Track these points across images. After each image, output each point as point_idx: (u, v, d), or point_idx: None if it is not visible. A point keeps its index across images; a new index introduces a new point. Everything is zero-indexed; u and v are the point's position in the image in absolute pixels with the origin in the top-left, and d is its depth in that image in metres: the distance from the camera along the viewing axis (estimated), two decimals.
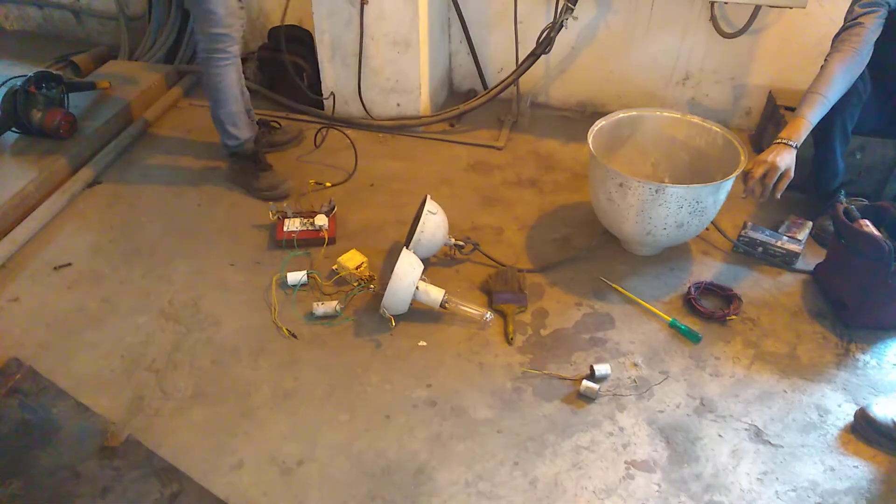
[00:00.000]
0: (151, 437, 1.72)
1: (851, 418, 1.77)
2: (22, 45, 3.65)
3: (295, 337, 2.00)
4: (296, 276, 2.16)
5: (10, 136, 2.70)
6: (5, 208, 2.33)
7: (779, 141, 1.99)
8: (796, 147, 1.97)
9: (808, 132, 1.99)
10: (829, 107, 2.00)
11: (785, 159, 1.95)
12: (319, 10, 2.81)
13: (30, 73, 2.69)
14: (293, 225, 2.35)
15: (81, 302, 2.11)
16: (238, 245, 2.35)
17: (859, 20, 2.04)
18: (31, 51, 3.53)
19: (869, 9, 2.04)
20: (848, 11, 2.10)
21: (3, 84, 2.74)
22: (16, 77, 2.72)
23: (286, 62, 2.96)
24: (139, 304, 2.11)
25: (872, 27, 2.02)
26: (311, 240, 2.33)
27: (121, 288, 2.17)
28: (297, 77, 2.98)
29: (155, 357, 1.94)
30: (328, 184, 2.67)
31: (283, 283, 2.17)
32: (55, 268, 2.24)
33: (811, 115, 1.99)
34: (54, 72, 2.78)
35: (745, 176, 2.01)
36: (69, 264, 2.25)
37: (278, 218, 2.38)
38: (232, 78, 2.44)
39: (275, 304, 2.10)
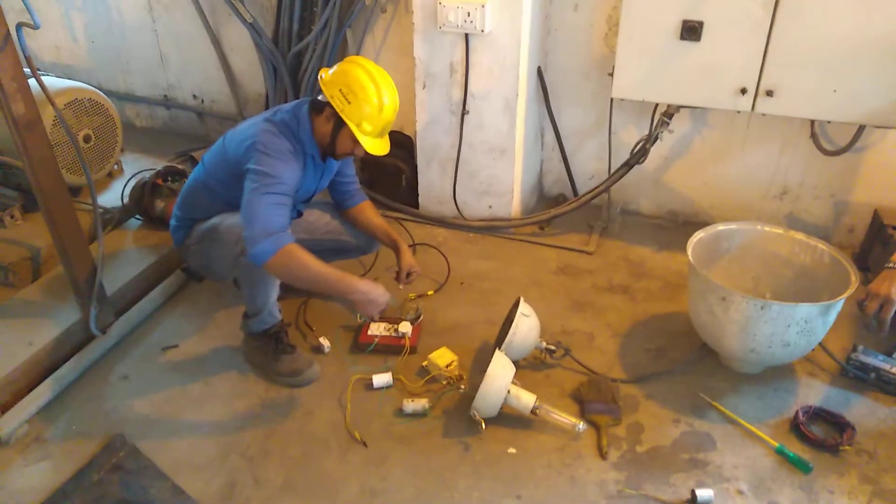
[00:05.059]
0: None
1: None
2: (148, 140, 4.02)
3: (365, 445, 1.97)
4: (382, 379, 2.17)
5: (134, 223, 2.94)
6: (124, 290, 2.50)
7: (891, 266, 1.91)
8: None
9: None
10: None
11: None
12: (422, 119, 2.99)
13: (159, 167, 2.95)
14: (377, 329, 2.37)
15: (185, 383, 2.21)
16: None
17: None
18: (156, 145, 3.89)
19: None
20: None
21: (133, 175, 3.02)
22: (144, 170, 3.00)
23: (387, 164, 3.14)
24: (238, 390, 2.18)
25: None
26: (391, 346, 2.31)
27: (222, 372, 2.26)
28: (396, 178, 3.15)
29: (249, 443, 1.98)
30: (430, 292, 2.67)
31: (366, 385, 2.17)
32: (163, 348, 2.36)
33: None
34: (180, 166, 3.04)
35: (860, 305, 1.93)
36: (176, 346, 2.37)
37: (364, 320, 2.42)
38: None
39: (348, 408, 2.09)
